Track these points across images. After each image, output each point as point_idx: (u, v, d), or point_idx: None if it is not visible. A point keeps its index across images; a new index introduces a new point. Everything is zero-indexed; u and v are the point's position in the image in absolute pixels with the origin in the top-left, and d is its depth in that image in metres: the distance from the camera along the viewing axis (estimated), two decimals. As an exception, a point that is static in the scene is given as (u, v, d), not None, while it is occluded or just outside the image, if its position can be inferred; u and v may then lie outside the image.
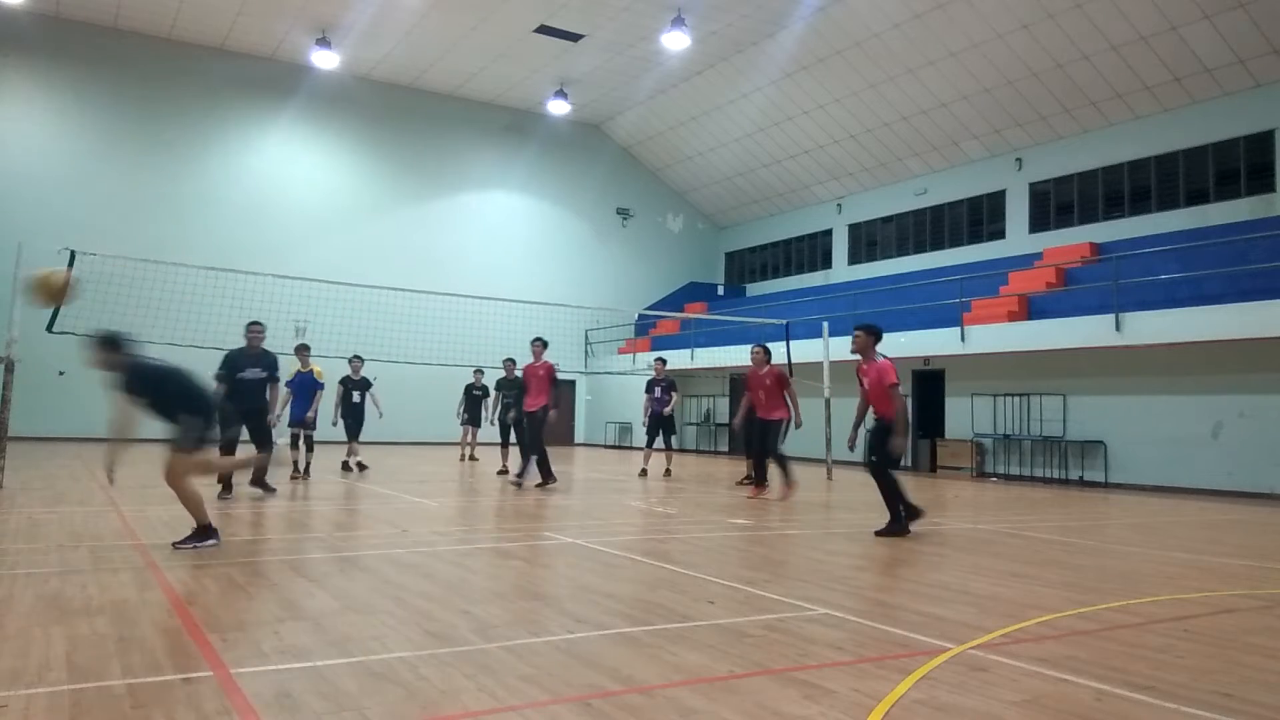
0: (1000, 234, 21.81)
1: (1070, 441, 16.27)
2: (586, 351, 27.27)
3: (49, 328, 10.71)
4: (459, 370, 17.35)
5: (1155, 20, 16.78)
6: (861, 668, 3.57)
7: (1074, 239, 19.57)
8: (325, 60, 22.92)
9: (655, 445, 14.56)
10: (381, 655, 3.55)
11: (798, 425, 11.21)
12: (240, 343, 9.69)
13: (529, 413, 11.58)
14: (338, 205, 24.65)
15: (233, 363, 9.44)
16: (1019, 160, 21.36)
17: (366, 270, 22.41)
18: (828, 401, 16.62)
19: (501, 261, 26.34)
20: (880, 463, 7.76)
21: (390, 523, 7.89)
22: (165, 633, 3.80)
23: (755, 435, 11.13)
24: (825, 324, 17.24)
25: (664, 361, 15.06)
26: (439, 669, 3.40)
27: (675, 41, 21.01)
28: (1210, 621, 4.65)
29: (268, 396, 9.60)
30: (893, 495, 7.76)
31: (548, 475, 11.53)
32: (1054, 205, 20.75)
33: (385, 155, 25.49)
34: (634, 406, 25.83)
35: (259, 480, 9.78)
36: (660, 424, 14.41)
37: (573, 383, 27.47)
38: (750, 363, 11.38)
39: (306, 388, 12.31)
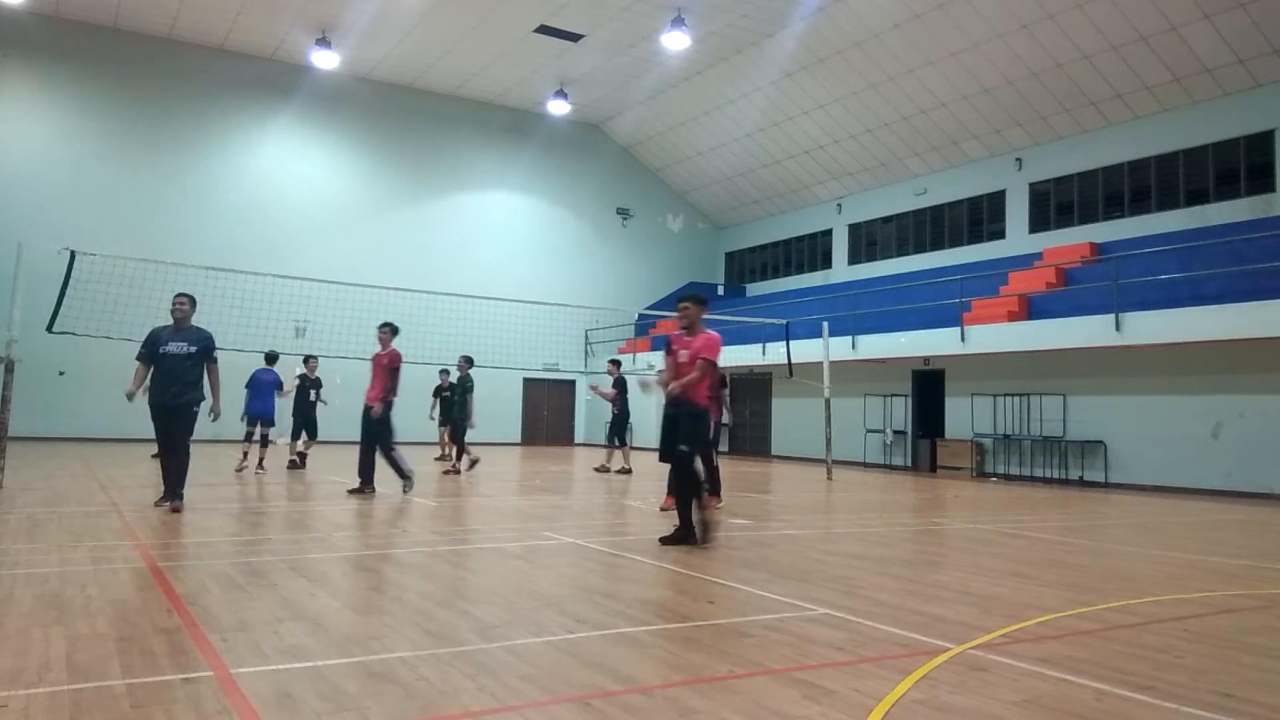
0: (1000, 234, 21.80)
1: (1070, 441, 16.27)
2: (586, 351, 27.28)
3: (49, 328, 10.71)
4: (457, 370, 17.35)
5: (1155, 20, 16.78)
6: (861, 668, 3.57)
7: (1074, 239, 19.56)
8: (325, 60, 22.92)
9: (615, 443, 15.45)
10: (381, 655, 3.55)
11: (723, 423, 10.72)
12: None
13: (366, 407, 10.05)
14: (338, 205, 24.66)
15: (154, 338, 7.97)
16: (1019, 160, 21.35)
17: (367, 270, 22.40)
18: (828, 401, 16.63)
19: (502, 261, 26.34)
20: (686, 453, 6.66)
21: (390, 523, 7.89)
22: (165, 633, 3.80)
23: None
24: (825, 324, 17.25)
25: (618, 364, 15.42)
26: (439, 669, 3.40)
27: (675, 41, 21.01)
28: (1210, 621, 4.65)
29: (206, 382, 8.08)
30: (687, 495, 6.77)
31: (368, 479, 10.07)
32: (1054, 205, 20.75)
33: (385, 155, 25.49)
34: (635, 406, 25.85)
35: (176, 491, 8.06)
36: (613, 421, 15.29)
37: (573, 382, 27.48)
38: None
39: (265, 385, 13.19)
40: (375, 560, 5.83)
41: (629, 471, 15.05)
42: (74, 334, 11.68)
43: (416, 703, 3.00)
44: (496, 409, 25.21)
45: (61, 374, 20.52)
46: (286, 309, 18.89)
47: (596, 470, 15.24)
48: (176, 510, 7.84)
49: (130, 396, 8.00)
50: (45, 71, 21.58)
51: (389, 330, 10.31)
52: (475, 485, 12.07)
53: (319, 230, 24.05)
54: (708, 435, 6.91)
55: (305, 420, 14.10)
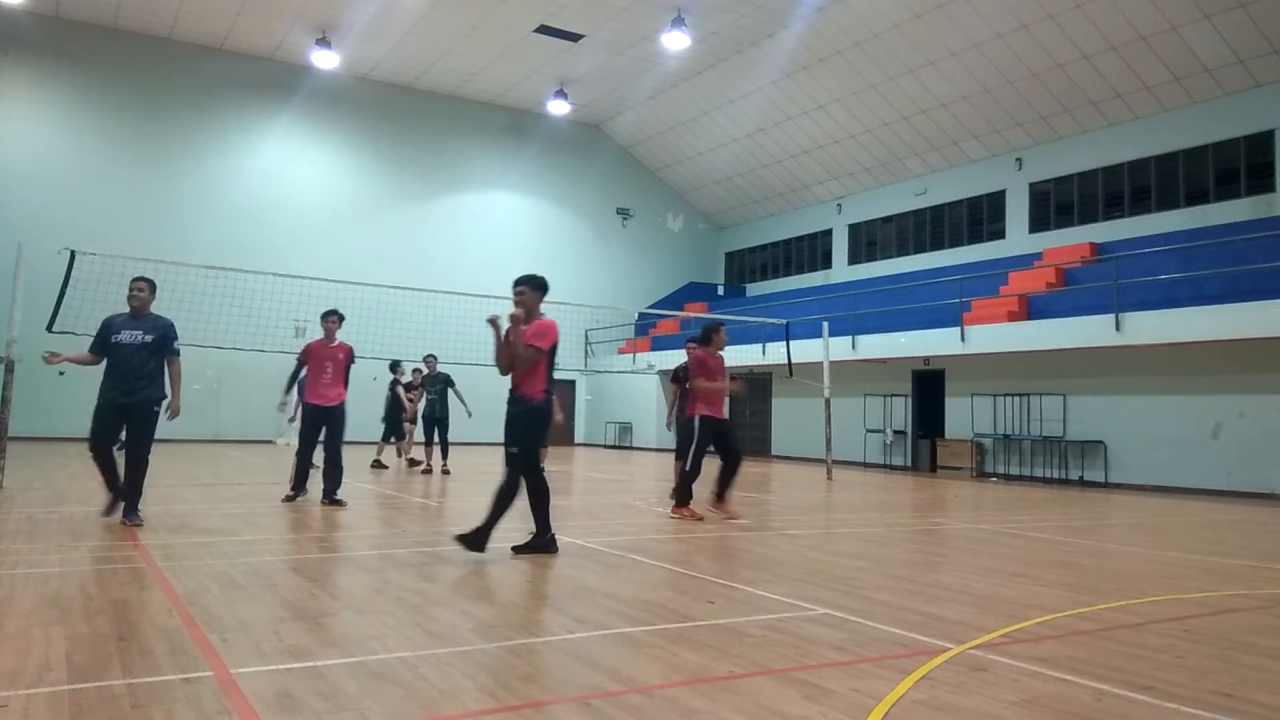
0: (1000, 234, 21.81)
1: (1070, 441, 16.27)
2: (586, 351, 27.29)
3: (49, 327, 10.71)
4: (460, 369, 17.37)
5: (1155, 20, 16.78)
6: (861, 668, 3.57)
7: (1074, 239, 19.57)
8: (325, 60, 22.92)
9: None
10: (381, 655, 3.55)
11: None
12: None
13: (327, 408, 8.86)
14: (338, 205, 24.66)
15: (106, 325, 7.07)
16: (1019, 160, 21.35)
17: (367, 270, 22.41)
18: (828, 401, 16.63)
19: (502, 261, 26.24)
20: (521, 456, 6.15)
21: (390, 523, 7.89)
22: (165, 632, 3.80)
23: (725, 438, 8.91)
24: (825, 324, 17.25)
25: None
26: (439, 669, 3.40)
27: (675, 41, 21.02)
28: (1210, 621, 4.65)
29: (167, 375, 7.16)
30: (540, 500, 6.19)
31: (302, 484, 9.08)
32: (1054, 205, 20.75)
33: (385, 155, 25.49)
34: (635, 406, 25.87)
35: (132, 502, 7.12)
36: None
37: (573, 383, 27.48)
38: (711, 347, 9.05)
39: None
40: (375, 560, 5.83)
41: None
42: (74, 334, 11.65)
43: (417, 703, 3.00)
44: (496, 409, 25.17)
45: (61, 374, 20.46)
46: (286, 308, 18.89)
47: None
48: (138, 525, 6.90)
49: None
50: (45, 71, 21.58)
51: (336, 318, 9.11)
52: (475, 486, 12.08)
53: (319, 229, 24.05)
54: (539, 434, 6.22)
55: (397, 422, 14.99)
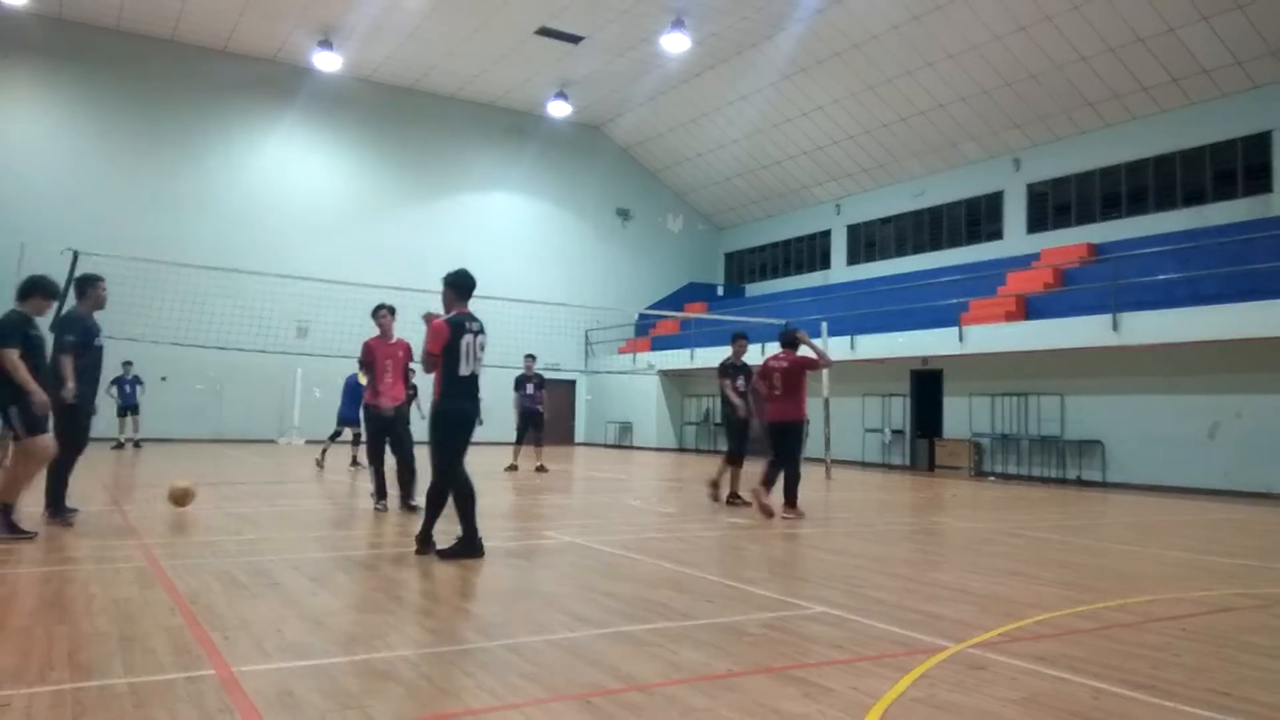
0: (998, 235, 21.84)
1: (1068, 441, 16.29)
2: (587, 351, 27.30)
3: (51, 327, 10.71)
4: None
5: (1153, 22, 16.81)
6: (860, 666, 3.59)
7: (1072, 239, 19.59)
8: (327, 62, 22.94)
9: (526, 440, 15.17)
10: (383, 654, 3.57)
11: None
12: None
13: (395, 407, 8.38)
14: (339, 206, 24.66)
15: (87, 328, 6.81)
16: (1017, 161, 21.38)
17: (368, 271, 22.38)
18: (826, 401, 16.65)
19: (502, 262, 26.31)
20: (431, 458, 6.09)
21: (392, 522, 7.90)
22: (167, 631, 3.82)
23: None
24: (824, 324, 17.27)
25: (534, 358, 15.20)
26: (440, 667, 3.42)
27: (675, 43, 21.05)
28: (1208, 620, 4.67)
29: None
30: (465, 505, 6.03)
31: (384, 492, 8.56)
32: (1052, 206, 20.78)
33: (387, 156, 25.50)
34: (635, 406, 25.89)
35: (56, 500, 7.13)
36: (531, 420, 14.97)
37: (573, 383, 27.49)
38: (802, 349, 9.24)
39: (357, 389, 13.11)
40: (377, 559, 5.85)
41: (516, 468, 14.87)
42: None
43: (418, 701, 3.02)
44: (496, 409, 25.23)
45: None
46: (287, 308, 18.94)
47: (510, 470, 14.80)
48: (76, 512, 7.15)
49: (72, 397, 6.60)
50: (48, 73, 21.59)
51: (389, 312, 8.46)
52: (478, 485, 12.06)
53: (321, 230, 24.05)
54: (440, 436, 6.04)
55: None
